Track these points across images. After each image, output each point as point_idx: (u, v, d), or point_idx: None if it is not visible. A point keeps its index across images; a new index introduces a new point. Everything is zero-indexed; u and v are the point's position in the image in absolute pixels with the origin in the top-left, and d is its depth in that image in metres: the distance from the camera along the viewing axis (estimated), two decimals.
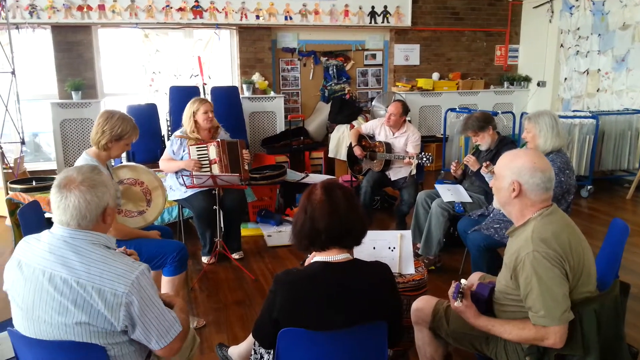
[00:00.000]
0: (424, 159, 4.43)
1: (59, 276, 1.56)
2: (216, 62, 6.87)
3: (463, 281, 1.92)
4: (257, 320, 1.84)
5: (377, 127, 4.92)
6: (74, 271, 1.56)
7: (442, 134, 7.31)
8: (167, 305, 1.81)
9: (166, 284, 3.00)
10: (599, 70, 6.82)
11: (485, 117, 3.81)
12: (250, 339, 2.38)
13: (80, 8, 6.01)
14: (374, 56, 7.65)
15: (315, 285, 1.73)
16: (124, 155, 5.85)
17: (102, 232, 1.68)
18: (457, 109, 7.24)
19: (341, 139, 6.68)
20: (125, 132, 2.84)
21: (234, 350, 2.51)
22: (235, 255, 4.15)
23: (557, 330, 1.76)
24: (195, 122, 3.98)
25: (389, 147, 4.76)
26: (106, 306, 1.54)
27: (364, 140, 4.97)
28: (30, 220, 2.83)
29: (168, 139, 5.71)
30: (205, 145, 3.96)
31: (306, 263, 2.02)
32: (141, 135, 5.62)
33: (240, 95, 6.53)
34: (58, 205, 1.61)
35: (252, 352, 2.02)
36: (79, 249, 1.60)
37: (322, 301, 1.71)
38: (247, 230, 4.75)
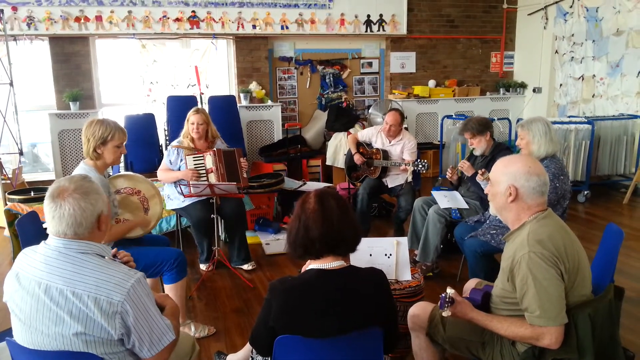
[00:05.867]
0: (420, 166, 4.47)
1: (55, 287, 1.56)
2: (213, 72, 6.90)
3: (449, 290, 1.92)
4: (254, 328, 1.85)
5: (374, 135, 4.95)
6: (70, 281, 1.56)
7: (438, 141, 7.34)
8: (158, 306, 1.82)
9: (168, 292, 3.01)
10: (594, 76, 6.86)
11: (485, 122, 3.85)
12: (248, 346, 2.39)
13: (77, 19, 6.05)
14: (370, 64, 7.69)
15: (311, 293, 1.74)
16: (122, 165, 5.86)
17: (98, 240, 1.69)
18: (454, 116, 7.28)
19: (338, 147, 6.71)
20: (108, 134, 2.80)
21: (232, 358, 2.51)
22: (247, 267, 4.15)
23: (554, 330, 1.77)
24: (189, 130, 4.03)
25: (385, 155, 4.79)
26: (102, 315, 1.54)
27: (361, 147, 5.00)
28: (29, 231, 2.83)
29: (166, 149, 5.74)
30: (201, 155, 3.98)
31: (302, 271, 2.03)
32: (139, 145, 5.78)
33: (238, 104, 6.56)
34: (53, 215, 1.61)
35: None
36: (74, 259, 1.60)
37: (317, 308, 1.72)
38: None
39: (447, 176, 4.05)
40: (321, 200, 1.79)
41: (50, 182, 6.15)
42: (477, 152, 3.86)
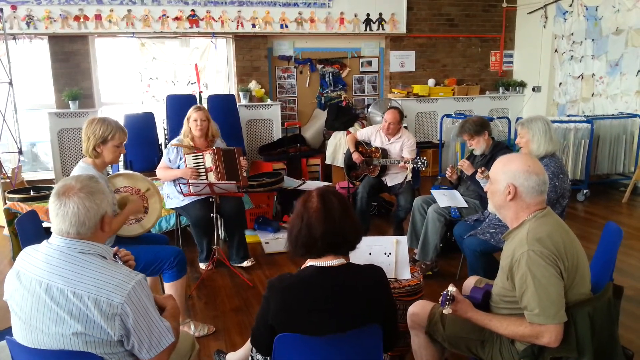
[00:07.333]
0: (419, 163, 4.47)
1: (56, 287, 1.57)
2: (213, 71, 6.90)
3: (450, 288, 1.92)
4: (254, 327, 1.85)
5: (373, 134, 4.95)
6: (70, 281, 1.57)
7: (438, 140, 7.34)
8: (159, 307, 1.82)
9: (168, 290, 3.02)
10: (593, 74, 6.86)
11: (482, 121, 3.84)
12: (247, 345, 2.39)
13: (77, 18, 6.05)
14: (369, 63, 7.69)
15: (309, 290, 1.75)
16: (121, 164, 5.86)
17: (101, 240, 1.69)
18: (453, 115, 7.28)
19: (338, 146, 6.71)
20: (108, 133, 2.81)
21: (231, 357, 2.51)
22: (245, 263, 4.17)
23: (553, 329, 1.78)
24: (190, 128, 4.02)
25: (385, 153, 4.79)
26: (102, 316, 1.54)
27: (360, 146, 5.00)
28: (28, 229, 2.83)
29: (165, 147, 5.74)
30: (200, 154, 3.98)
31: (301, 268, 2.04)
32: (138, 144, 5.79)
33: (237, 103, 6.55)
34: (57, 213, 1.61)
35: (250, 359, 2.03)
36: (76, 259, 1.60)
37: (316, 306, 1.72)
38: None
39: (446, 175, 4.05)
40: (323, 199, 1.79)
41: (49, 181, 6.19)
42: (477, 152, 3.87)
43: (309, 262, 1.83)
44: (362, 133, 5.07)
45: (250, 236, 4.73)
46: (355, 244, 1.85)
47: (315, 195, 1.81)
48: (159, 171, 4.07)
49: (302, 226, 1.78)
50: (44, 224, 3.38)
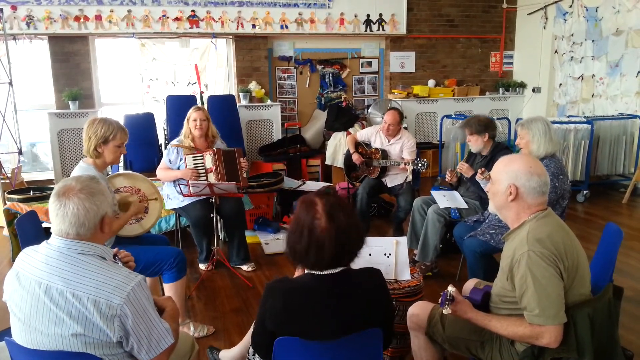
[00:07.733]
0: (419, 164, 4.47)
1: (55, 288, 1.56)
2: (213, 71, 6.89)
3: (450, 288, 1.92)
4: (253, 332, 1.84)
5: (373, 135, 4.95)
6: (70, 282, 1.56)
7: (438, 141, 7.34)
8: (158, 309, 1.81)
9: (168, 291, 3.01)
10: (593, 75, 6.86)
11: (487, 123, 3.83)
12: (242, 343, 2.38)
13: (77, 18, 6.05)
14: (369, 64, 7.69)
15: (310, 295, 1.73)
16: (121, 164, 5.86)
17: (100, 241, 1.69)
18: (453, 116, 7.28)
19: (338, 147, 6.71)
20: (110, 133, 2.81)
21: (225, 354, 2.51)
22: (246, 267, 4.15)
23: (552, 329, 1.78)
24: (190, 129, 4.03)
25: (385, 154, 4.79)
26: (101, 317, 1.54)
27: (360, 147, 5.00)
28: (28, 230, 2.83)
29: (165, 148, 5.74)
30: (201, 155, 3.98)
31: (296, 274, 2.02)
32: (138, 144, 5.79)
33: (237, 104, 6.55)
34: (57, 213, 1.61)
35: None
36: (75, 260, 1.60)
37: (315, 310, 1.71)
38: None
39: (446, 179, 4.05)
40: (331, 217, 1.68)
41: (49, 181, 6.19)
42: (472, 149, 3.88)
43: (307, 271, 1.78)
44: (362, 134, 5.07)
45: (250, 237, 4.72)
46: (359, 252, 1.81)
47: (322, 214, 1.68)
48: (159, 172, 4.07)
49: (310, 246, 1.67)
50: (44, 225, 3.38)
